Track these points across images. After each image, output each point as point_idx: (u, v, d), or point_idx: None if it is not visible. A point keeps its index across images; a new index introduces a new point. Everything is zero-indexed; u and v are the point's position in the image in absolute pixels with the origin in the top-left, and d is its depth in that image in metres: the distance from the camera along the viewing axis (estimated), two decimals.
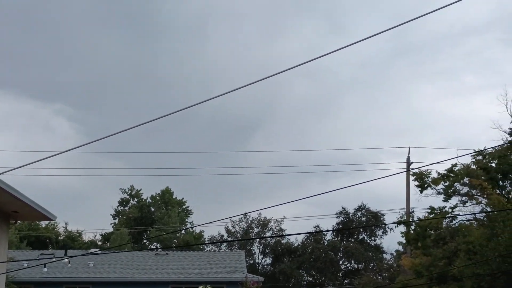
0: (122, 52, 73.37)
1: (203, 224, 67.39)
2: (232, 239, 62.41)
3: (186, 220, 67.51)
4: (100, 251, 40.93)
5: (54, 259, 34.83)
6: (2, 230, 21.61)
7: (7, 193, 18.90)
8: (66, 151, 9.47)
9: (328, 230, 60.12)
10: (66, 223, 62.73)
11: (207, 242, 61.70)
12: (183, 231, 66.15)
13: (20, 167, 9.87)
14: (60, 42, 70.65)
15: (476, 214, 27.94)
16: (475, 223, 28.85)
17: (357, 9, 66.04)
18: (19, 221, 54.26)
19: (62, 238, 61.26)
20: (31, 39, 69.56)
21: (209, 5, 67.85)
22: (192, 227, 64.59)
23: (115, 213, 68.66)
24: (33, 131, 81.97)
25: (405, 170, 36.61)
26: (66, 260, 35.99)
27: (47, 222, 61.21)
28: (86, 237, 63.22)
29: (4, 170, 10.86)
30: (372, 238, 59.40)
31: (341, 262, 59.12)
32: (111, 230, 64.29)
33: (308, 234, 59.97)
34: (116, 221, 67.71)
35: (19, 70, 73.81)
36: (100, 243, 63.61)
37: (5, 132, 76.88)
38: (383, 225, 57.72)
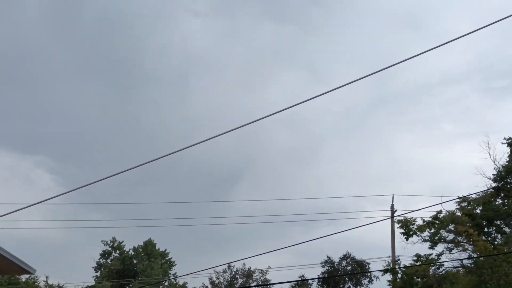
0: (104, 104, 73.54)
1: (187, 274, 66.33)
2: None
3: (169, 271, 66.50)
4: None
5: None
6: None
7: None
8: (42, 201, 9.17)
9: (313, 279, 59.41)
10: (47, 277, 61.47)
11: None
12: (166, 283, 65.06)
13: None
14: (41, 94, 70.75)
15: (463, 261, 27.72)
16: (462, 270, 28.61)
17: (337, 59, 66.89)
18: None
19: None
20: (11, 92, 69.49)
21: (191, 56, 68.40)
22: (175, 278, 63.62)
23: (97, 265, 67.50)
24: (13, 184, 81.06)
25: (389, 217, 36.41)
26: None
27: (27, 276, 60.09)
28: None
29: None
30: (358, 287, 58.67)
31: None
32: (93, 283, 63.06)
33: (293, 285, 59.19)
34: (98, 273, 66.51)
35: (0, 124, 73.43)
36: None
37: None
38: (369, 273, 57.13)
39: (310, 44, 66.92)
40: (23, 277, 59.65)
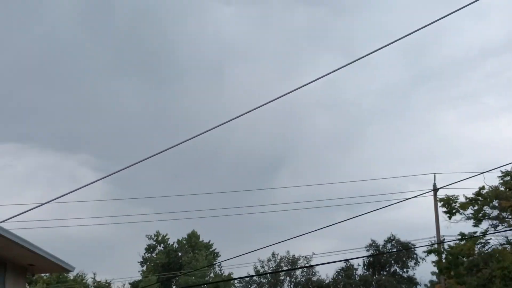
0: (142, 99, 73.75)
1: (230, 258, 66.41)
2: (260, 277, 61.36)
3: (214, 262, 66.53)
4: None
5: None
6: (19, 284, 21.11)
7: (21, 246, 18.46)
8: (51, 200, 8.95)
9: (356, 258, 58.74)
10: (94, 274, 62.16)
11: (233, 278, 60.73)
12: (211, 275, 65.20)
13: (17, 214, 9.35)
14: (81, 93, 71.23)
15: (509, 237, 26.92)
16: (509, 247, 27.78)
17: (371, 38, 65.69)
18: (42, 274, 53.78)
19: None
20: (52, 93, 70.26)
21: (224, 45, 68.08)
22: (219, 263, 63.71)
23: (142, 260, 68.00)
24: (58, 183, 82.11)
25: (429, 190, 35.44)
26: None
27: (75, 273, 60.84)
28: (115, 286, 62.53)
29: (5, 218, 10.34)
30: (405, 270, 57.89)
31: None
32: (140, 277, 63.57)
33: (339, 270, 58.73)
34: (144, 268, 67.00)
35: (42, 124, 74.42)
36: None
37: (31, 186, 77.22)
38: (414, 255, 56.36)
39: (343, 25, 65.99)
40: (71, 275, 60.41)
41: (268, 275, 61.77)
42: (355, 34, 66.00)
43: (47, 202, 9.00)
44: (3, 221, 9.89)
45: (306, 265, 60.61)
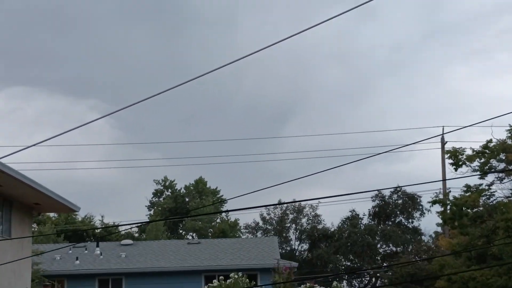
0: (153, 45, 73.25)
1: (234, 197, 66.90)
2: (266, 224, 61.97)
3: (221, 208, 67.11)
4: (132, 242, 40.77)
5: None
6: (25, 222, 21.37)
7: (26, 185, 18.64)
8: (38, 143, 8.90)
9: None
10: (102, 216, 62.97)
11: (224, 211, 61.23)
12: (218, 220, 65.83)
13: (16, 152, 9.35)
14: (91, 39, 70.77)
15: None
16: None
17: None
18: (50, 215, 54.33)
19: (98, 231, 61.41)
20: (62, 37, 69.82)
21: None
22: (227, 211, 64.25)
23: (150, 204, 68.68)
24: (68, 128, 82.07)
25: (436, 136, 35.20)
26: (98, 252, 35.86)
27: (83, 215, 61.59)
28: (122, 229, 63.24)
29: (4, 155, 10.36)
30: (410, 221, 58.24)
31: (378, 245, 58.10)
32: (147, 220, 64.30)
33: (344, 219, 59.07)
34: (151, 212, 67.70)
35: (51, 68, 74.33)
36: (136, 234, 63.63)
37: (41, 129, 77.54)
38: (420, 206, 56.65)
39: None
40: (79, 217, 61.19)
41: (274, 222, 62.30)
42: None
43: (41, 142, 8.97)
44: (2, 157, 9.92)
45: (312, 213, 61.07)
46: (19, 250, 20.53)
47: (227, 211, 63.43)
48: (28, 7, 64.05)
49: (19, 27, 66.27)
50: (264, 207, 61.18)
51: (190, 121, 78.85)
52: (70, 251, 37.14)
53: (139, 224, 55.12)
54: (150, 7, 68.93)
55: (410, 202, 57.00)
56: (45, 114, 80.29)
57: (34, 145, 9.79)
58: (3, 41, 65.70)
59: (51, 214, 57.80)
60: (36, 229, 49.24)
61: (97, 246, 36.62)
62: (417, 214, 57.79)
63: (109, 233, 60.49)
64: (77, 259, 35.75)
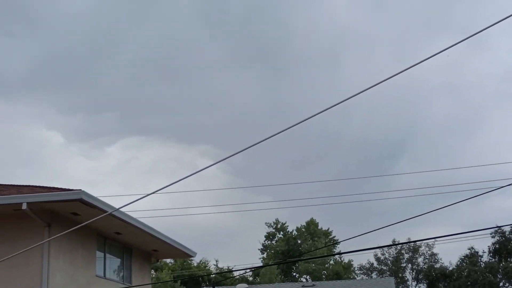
0: (259, 89, 74.45)
1: (351, 252, 65.96)
2: (381, 265, 60.66)
3: (334, 250, 66.41)
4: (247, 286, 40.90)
5: None
6: (144, 269, 21.96)
7: (145, 233, 19.19)
8: (157, 191, 9.19)
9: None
10: (216, 260, 63.77)
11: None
12: (331, 262, 65.11)
13: (130, 202, 9.70)
14: (200, 86, 72.88)
15: None
16: None
17: (494, 19, 62.90)
18: (167, 261, 55.53)
19: (213, 275, 62.22)
20: (172, 86, 72.33)
21: (339, 32, 67.44)
22: (340, 254, 63.42)
23: (262, 247, 68.96)
24: (181, 174, 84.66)
25: None
26: None
27: (198, 260, 62.67)
28: (236, 273, 63.82)
29: (122, 205, 10.76)
30: None
31: (501, 284, 55.55)
32: (260, 264, 64.51)
33: (463, 257, 56.99)
34: (265, 255, 67.92)
35: (164, 116, 76.82)
36: (250, 278, 63.92)
37: (156, 176, 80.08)
38: None
39: (462, 5, 63.63)
40: (194, 262, 62.27)
41: (389, 262, 60.96)
42: (476, 15, 63.48)
43: (158, 190, 9.26)
44: (123, 206, 10.31)
45: (428, 252, 59.29)
46: None
47: (341, 253, 62.73)
48: (141, 59, 66.98)
49: (133, 79, 69.28)
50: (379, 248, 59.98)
51: (300, 163, 79.07)
52: None
53: (253, 269, 55.32)
54: (255, 52, 70.38)
55: None
56: (159, 162, 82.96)
57: (152, 193, 10.12)
58: (117, 93, 68.90)
59: (168, 260, 59.18)
60: (154, 275, 50.46)
61: None
62: None
63: (225, 278, 61.13)
64: None
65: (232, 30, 68.07)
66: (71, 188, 15.59)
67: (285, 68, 74.09)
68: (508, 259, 55.85)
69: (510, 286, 55.38)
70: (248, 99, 73.32)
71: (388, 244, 59.30)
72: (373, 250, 59.78)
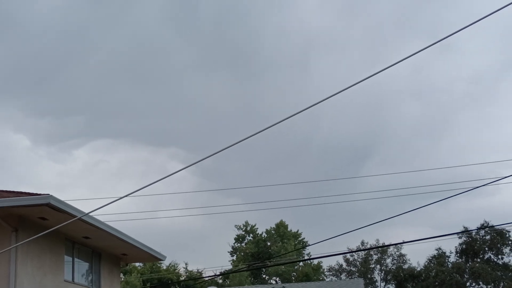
0: (228, 93, 74.42)
1: (320, 257, 66.28)
2: (350, 266, 61.04)
3: (303, 252, 66.66)
4: None
5: None
6: (113, 273, 21.81)
7: (114, 236, 19.06)
8: (130, 193, 9.16)
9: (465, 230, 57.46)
10: (186, 264, 63.57)
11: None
12: (301, 264, 65.32)
13: (101, 206, 9.65)
14: (170, 90, 72.69)
15: None
16: None
17: (462, 24, 63.68)
18: (136, 264, 55.18)
19: (183, 278, 61.99)
20: (141, 89, 71.94)
21: (309, 37, 67.73)
22: (310, 259, 63.66)
23: (232, 250, 68.91)
24: (150, 177, 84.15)
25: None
26: None
27: (167, 263, 62.36)
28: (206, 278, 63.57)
29: (92, 210, 10.69)
30: (500, 257, 56.28)
31: (468, 284, 56.30)
32: (230, 267, 64.44)
33: (430, 257, 57.61)
34: (234, 257, 67.88)
35: (133, 120, 76.37)
36: (220, 281, 63.86)
37: (124, 179, 79.57)
38: (510, 242, 54.77)
39: (430, 10, 64.30)
40: (164, 265, 61.95)
41: (358, 263, 61.37)
42: (444, 19, 64.25)
43: (129, 194, 9.23)
44: (92, 211, 10.24)
45: (396, 252, 59.84)
46: None
47: (311, 258, 62.94)
48: (110, 62, 66.56)
49: (102, 81, 68.80)
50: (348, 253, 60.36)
51: (270, 166, 79.21)
52: None
53: (224, 273, 55.29)
54: (226, 56, 70.36)
55: (498, 238, 55.19)
56: (128, 165, 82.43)
57: (123, 197, 10.07)
58: (86, 96, 68.31)
59: (137, 264, 58.82)
60: (123, 279, 50.13)
61: None
62: (507, 250, 55.85)
63: (194, 281, 61.01)
64: None
65: (202, 35, 67.97)
66: (39, 192, 15.43)
67: (255, 72, 74.29)
68: (475, 259, 56.63)
69: (476, 286, 56.16)
70: (218, 102, 73.33)
71: (356, 249, 59.69)
72: (342, 251, 60.20)
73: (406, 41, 64.54)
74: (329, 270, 63.30)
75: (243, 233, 69.18)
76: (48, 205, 14.85)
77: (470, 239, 55.77)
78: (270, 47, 69.00)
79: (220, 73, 72.77)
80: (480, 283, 55.32)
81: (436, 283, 54.69)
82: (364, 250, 59.38)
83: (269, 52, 69.21)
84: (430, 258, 57.57)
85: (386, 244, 59.31)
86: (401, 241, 58.56)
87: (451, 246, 67.48)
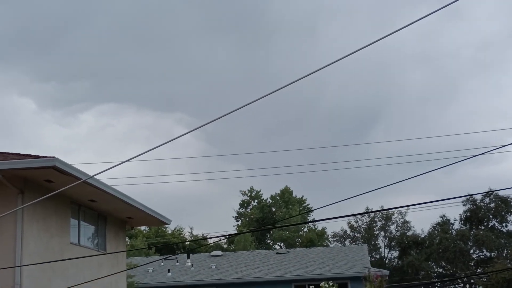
0: (235, 57, 74.06)
1: (324, 220, 66.46)
2: (354, 232, 61.35)
3: (307, 218, 66.98)
4: (221, 253, 41.19)
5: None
6: (119, 237, 21.97)
7: (120, 200, 19.16)
8: (131, 158, 9.13)
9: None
10: (191, 228, 64.04)
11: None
12: (305, 229, 65.71)
13: (104, 170, 9.65)
14: (175, 55, 72.28)
15: None
16: None
17: None
18: (142, 228, 55.55)
19: (188, 243, 62.47)
20: (147, 54, 71.64)
21: (316, 2, 67.09)
22: (314, 221, 64.03)
23: (237, 215, 69.32)
24: (155, 142, 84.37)
25: None
26: (189, 263, 36.41)
27: (172, 228, 62.81)
28: (211, 241, 64.08)
29: (98, 172, 10.68)
30: (504, 225, 56.46)
31: (471, 251, 56.58)
32: (235, 232, 64.87)
33: (434, 225, 57.81)
34: (239, 223, 68.30)
35: (139, 85, 76.26)
36: (225, 245, 64.33)
37: (130, 144, 79.78)
38: None
39: None
40: (169, 229, 62.41)
41: (362, 230, 61.62)
42: None
43: (133, 158, 9.22)
44: (97, 174, 10.24)
45: (401, 219, 60.03)
46: (114, 263, 21.11)
47: (314, 221, 63.31)
48: (115, 26, 66.20)
49: (106, 46, 68.52)
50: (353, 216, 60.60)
51: (275, 131, 79.21)
52: (162, 264, 37.91)
53: (228, 236, 55.63)
54: (231, 21, 69.82)
55: (503, 206, 55.27)
56: (134, 129, 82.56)
57: (127, 161, 10.06)
58: (91, 61, 68.10)
59: (142, 228, 59.25)
60: (128, 243, 50.53)
61: (188, 258, 37.17)
62: (511, 218, 55.99)
63: (199, 245, 61.45)
64: (169, 271, 36.43)
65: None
66: (44, 155, 15.47)
67: (261, 36, 73.78)
68: (479, 226, 56.80)
69: (480, 253, 56.42)
70: (224, 67, 73.00)
71: (361, 212, 59.95)
72: (346, 218, 60.42)
73: (415, 6, 63.87)
74: (333, 236, 63.69)
75: (248, 198, 69.51)
76: (54, 168, 14.90)
77: (475, 206, 55.87)
78: (277, 10, 68.41)
79: (226, 37, 72.40)
80: (484, 250, 55.58)
81: (440, 250, 54.96)
82: (368, 212, 59.62)
83: (276, 16, 68.64)
84: (434, 225, 57.79)
85: (390, 208, 59.55)
86: (406, 205, 58.97)
87: (455, 213, 67.89)
